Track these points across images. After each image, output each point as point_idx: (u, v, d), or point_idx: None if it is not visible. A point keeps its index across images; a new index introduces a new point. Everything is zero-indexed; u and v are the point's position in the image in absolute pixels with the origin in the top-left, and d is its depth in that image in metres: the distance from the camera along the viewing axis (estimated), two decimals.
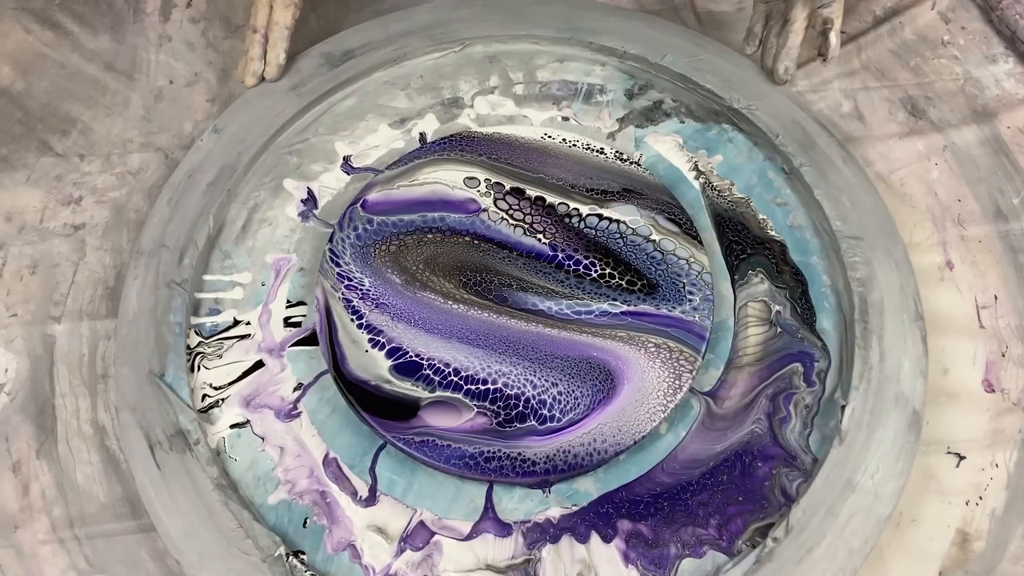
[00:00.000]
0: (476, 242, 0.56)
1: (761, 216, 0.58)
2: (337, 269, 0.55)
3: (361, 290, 0.54)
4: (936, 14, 0.69)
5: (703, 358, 0.52)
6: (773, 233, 0.58)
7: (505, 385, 0.51)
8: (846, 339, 0.53)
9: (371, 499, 0.49)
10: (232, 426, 0.51)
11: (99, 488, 0.51)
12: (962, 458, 0.52)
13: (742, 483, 0.49)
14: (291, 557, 0.46)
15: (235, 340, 0.54)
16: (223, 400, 0.52)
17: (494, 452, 0.49)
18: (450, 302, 0.54)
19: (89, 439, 0.52)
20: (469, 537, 0.48)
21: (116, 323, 0.53)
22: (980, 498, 0.51)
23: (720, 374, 0.53)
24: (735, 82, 0.62)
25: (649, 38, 0.64)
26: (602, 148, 0.60)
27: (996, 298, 0.57)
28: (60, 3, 0.70)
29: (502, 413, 0.50)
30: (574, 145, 0.61)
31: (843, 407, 0.49)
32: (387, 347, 0.52)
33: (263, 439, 0.51)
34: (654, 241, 0.56)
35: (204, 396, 0.52)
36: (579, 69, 0.64)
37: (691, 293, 0.54)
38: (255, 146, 0.59)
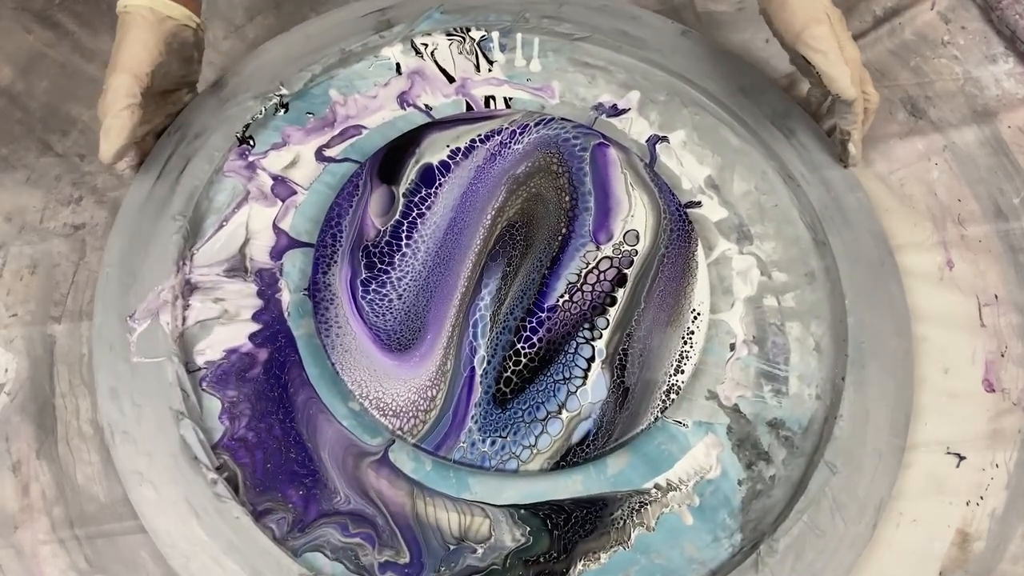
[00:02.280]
0: None
1: None
2: None
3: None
4: (936, 14, 0.69)
5: None
6: None
7: None
8: None
9: None
10: None
11: (99, 488, 0.51)
12: (962, 458, 0.52)
13: None
14: None
15: None
16: None
17: None
18: None
19: (89, 439, 0.52)
20: None
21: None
22: (980, 498, 0.51)
23: None
24: None
25: None
26: None
27: (996, 297, 0.57)
28: (60, 3, 0.69)
29: None
30: None
31: None
32: None
33: None
34: None
35: None
36: None
37: None
38: None
